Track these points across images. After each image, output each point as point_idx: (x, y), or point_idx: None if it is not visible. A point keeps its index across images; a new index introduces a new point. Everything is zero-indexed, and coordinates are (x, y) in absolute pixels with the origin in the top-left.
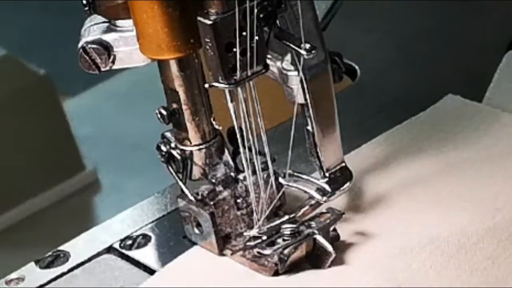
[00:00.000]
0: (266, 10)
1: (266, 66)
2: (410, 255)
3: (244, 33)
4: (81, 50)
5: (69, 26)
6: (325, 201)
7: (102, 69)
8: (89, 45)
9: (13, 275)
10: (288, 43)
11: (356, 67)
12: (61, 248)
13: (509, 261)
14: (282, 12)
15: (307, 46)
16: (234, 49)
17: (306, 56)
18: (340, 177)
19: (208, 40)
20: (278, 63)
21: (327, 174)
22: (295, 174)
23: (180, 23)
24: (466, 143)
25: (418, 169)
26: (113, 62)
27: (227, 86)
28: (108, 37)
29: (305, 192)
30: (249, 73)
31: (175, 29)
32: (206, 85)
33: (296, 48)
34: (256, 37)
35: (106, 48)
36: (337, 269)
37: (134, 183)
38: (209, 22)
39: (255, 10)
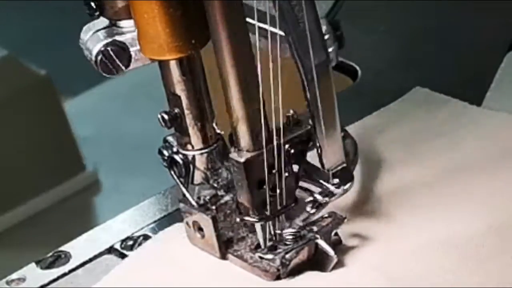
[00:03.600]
0: (295, 147)
1: (296, 201)
2: (412, 259)
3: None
4: (99, 55)
5: (70, 27)
6: (326, 202)
7: (123, 70)
8: (108, 48)
9: (14, 276)
10: (317, 180)
11: (357, 67)
12: (62, 248)
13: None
14: (311, 150)
15: (335, 181)
16: (265, 186)
17: (335, 191)
18: (341, 177)
19: (240, 177)
20: None
21: (328, 175)
22: None
23: (181, 24)
24: (434, 134)
25: (386, 159)
26: (130, 62)
27: (258, 221)
28: (123, 38)
29: (306, 192)
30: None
31: (176, 30)
32: (238, 219)
33: (326, 185)
34: (286, 174)
35: (123, 49)
36: (338, 273)
37: (135, 183)
38: (242, 160)
39: (284, 148)
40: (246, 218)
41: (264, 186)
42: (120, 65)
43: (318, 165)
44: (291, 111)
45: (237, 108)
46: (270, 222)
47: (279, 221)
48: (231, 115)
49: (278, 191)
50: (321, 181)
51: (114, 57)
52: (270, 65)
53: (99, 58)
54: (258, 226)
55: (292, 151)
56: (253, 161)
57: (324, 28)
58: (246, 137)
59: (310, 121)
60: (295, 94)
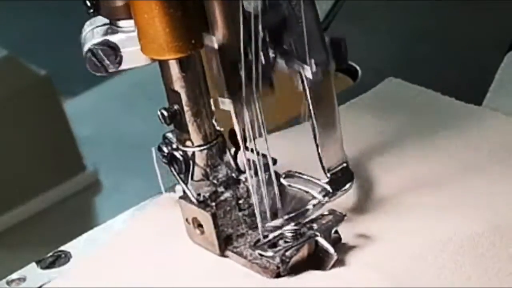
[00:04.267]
0: (272, 30)
1: (272, 86)
2: (412, 257)
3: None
4: (88, 53)
5: (70, 27)
6: (326, 202)
7: (110, 71)
8: (97, 47)
9: (14, 276)
10: (294, 64)
11: (357, 67)
12: (62, 248)
13: None
14: (288, 34)
15: (313, 63)
16: (240, 71)
17: (311, 76)
18: (341, 177)
19: (214, 59)
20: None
21: (328, 175)
22: (297, 174)
23: (181, 24)
24: (405, 124)
25: (359, 150)
26: (120, 62)
27: (232, 104)
28: (114, 38)
29: (307, 192)
30: (254, 93)
31: (176, 30)
32: (211, 101)
33: (304, 66)
34: (262, 58)
35: (113, 49)
36: (338, 271)
37: (135, 183)
38: (215, 42)
39: (260, 32)
40: (222, 106)
41: (240, 70)
42: (108, 65)
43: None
44: None
45: None
46: (246, 113)
47: (256, 109)
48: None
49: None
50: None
51: (103, 56)
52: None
53: (88, 56)
54: (232, 112)
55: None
56: (227, 45)
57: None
58: (221, 20)
59: (311, 122)
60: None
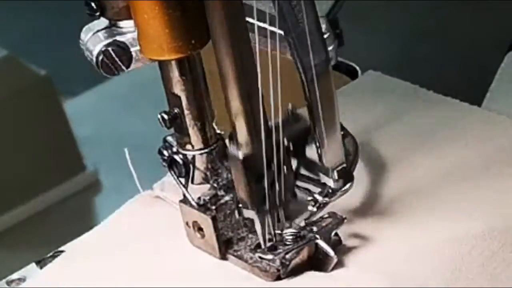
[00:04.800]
0: (294, 142)
1: (295, 196)
2: (411, 259)
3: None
4: (100, 55)
5: (70, 27)
6: (326, 202)
7: (124, 70)
8: (110, 48)
9: (14, 276)
10: (317, 174)
11: (357, 67)
12: (62, 248)
13: None
14: (309, 145)
15: (335, 175)
16: (263, 182)
17: (334, 186)
18: (341, 177)
19: (238, 171)
20: None
21: (328, 175)
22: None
23: (181, 24)
24: (384, 116)
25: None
26: (130, 62)
27: (256, 215)
28: (123, 38)
29: (306, 192)
30: (278, 203)
31: (176, 30)
32: (237, 216)
33: (325, 178)
34: (285, 169)
35: (123, 49)
36: (338, 273)
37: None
38: (240, 157)
39: (284, 143)
40: (246, 214)
41: (263, 182)
42: (121, 65)
43: (317, 160)
44: (290, 107)
45: (235, 104)
46: (270, 220)
47: (278, 218)
48: (230, 111)
49: (277, 186)
50: (320, 174)
51: (115, 57)
52: (270, 62)
53: (100, 58)
54: (257, 223)
55: (291, 146)
56: (251, 157)
57: (323, 26)
58: (244, 133)
59: (311, 122)
60: (294, 92)
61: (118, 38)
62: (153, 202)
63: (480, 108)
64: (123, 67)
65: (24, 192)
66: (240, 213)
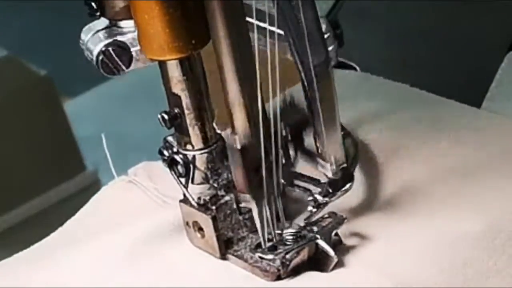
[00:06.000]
0: (292, 131)
1: (292, 184)
2: (412, 258)
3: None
4: (101, 55)
5: (70, 27)
6: (326, 202)
7: (124, 70)
8: (109, 48)
9: None
10: (316, 162)
11: (357, 67)
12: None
13: None
14: (308, 134)
15: (332, 159)
16: (261, 170)
17: (332, 174)
18: (341, 177)
19: (236, 160)
20: None
21: (330, 175)
22: (297, 174)
23: (181, 24)
24: (382, 115)
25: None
26: (130, 62)
27: (254, 202)
28: (124, 38)
29: (307, 192)
30: (275, 192)
31: (176, 30)
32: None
33: (323, 171)
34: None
35: (124, 49)
36: (339, 273)
37: None
38: (238, 147)
39: (281, 133)
40: (244, 204)
41: (261, 171)
42: (121, 65)
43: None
44: (288, 95)
45: (233, 93)
46: (268, 213)
47: (278, 219)
48: (228, 100)
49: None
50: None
51: (115, 57)
52: (269, 58)
53: (100, 58)
54: (255, 211)
55: (289, 136)
56: (249, 147)
57: (323, 27)
58: (242, 122)
59: (311, 122)
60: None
61: (118, 38)
62: (128, 187)
63: (480, 109)
64: (123, 67)
65: (24, 192)
66: (240, 211)
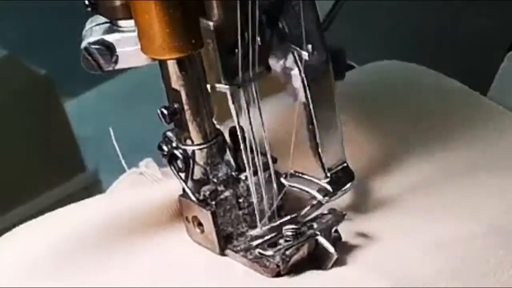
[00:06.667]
0: (268, 12)
1: (269, 68)
2: (412, 257)
3: (246, 35)
4: (84, 51)
5: (70, 27)
6: (326, 201)
7: (105, 69)
8: (92, 46)
9: None
10: (290, 45)
11: (357, 67)
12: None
13: None
14: (284, 15)
15: (309, 47)
16: (236, 51)
17: (308, 57)
18: (341, 177)
19: (210, 42)
20: (281, 62)
21: (328, 174)
22: (297, 174)
23: (181, 24)
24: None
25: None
26: (115, 62)
27: (228, 88)
28: (111, 38)
29: (307, 192)
30: (251, 75)
31: (176, 30)
32: (208, 86)
33: (298, 50)
34: (258, 39)
35: (108, 49)
36: (338, 270)
37: None
38: (212, 25)
39: (257, 13)
40: (217, 85)
41: (236, 53)
42: (104, 64)
43: None
44: None
45: None
46: (243, 95)
47: (251, 89)
48: None
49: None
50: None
51: (98, 55)
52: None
53: (83, 54)
54: (229, 95)
55: (264, 18)
56: (224, 27)
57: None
58: (217, 2)
59: (311, 121)
60: None
61: (105, 37)
62: (139, 179)
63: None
64: (106, 66)
65: (24, 192)
66: (239, 206)
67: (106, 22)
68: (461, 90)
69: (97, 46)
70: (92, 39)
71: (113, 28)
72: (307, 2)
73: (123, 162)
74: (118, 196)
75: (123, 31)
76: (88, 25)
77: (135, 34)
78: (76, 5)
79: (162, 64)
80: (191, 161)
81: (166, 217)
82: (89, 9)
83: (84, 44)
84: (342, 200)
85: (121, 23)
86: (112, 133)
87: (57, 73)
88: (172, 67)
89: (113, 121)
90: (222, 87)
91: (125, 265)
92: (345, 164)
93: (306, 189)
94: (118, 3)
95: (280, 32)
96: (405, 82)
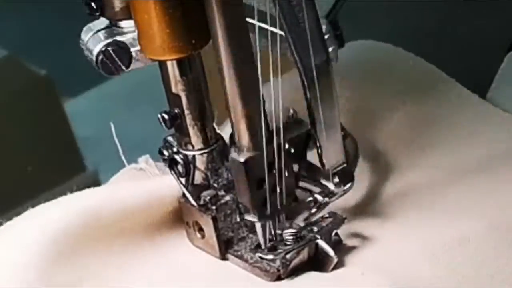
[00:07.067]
0: (295, 146)
1: (296, 200)
2: (411, 259)
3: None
4: (100, 55)
5: (70, 27)
6: (326, 202)
7: (125, 70)
8: (109, 48)
9: None
10: (317, 180)
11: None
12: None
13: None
14: (311, 149)
15: (336, 180)
16: (264, 186)
17: (336, 191)
18: (342, 177)
19: (240, 177)
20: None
21: (329, 179)
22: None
23: (181, 24)
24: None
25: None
26: (130, 62)
27: (258, 220)
28: (124, 38)
29: (307, 192)
30: (279, 207)
31: (176, 30)
32: (238, 219)
33: (326, 183)
34: (286, 173)
35: (123, 49)
36: (339, 273)
37: None
38: (242, 160)
39: (284, 147)
40: (247, 217)
41: (264, 186)
42: (121, 65)
43: (318, 164)
44: (291, 111)
45: (237, 107)
46: (271, 222)
47: (280, 221)
48: (231, 115)
49: (278, 190)
50: (322, 181)
51: (115, 57)
52: (270, 64)
53: (100, 58)
54: (258, 226)
55: (292, 150)
56: (253, 161)
57: (324, 27)
58: (246, 136)
59: (311, 122)
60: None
61: (118, 38)
62: (138, 175)
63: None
64: (123, 67)
65: (24, 192)
66: (241, 215)
67: (107, 27)
68: (434, 72)
69: (113, 48)
70: (106, 41)
71: (117, 30)
72: (307, 2)
73: (123, 157)
74: (117, 187)
75: (130, 32)
76: (88, 33)
77: None
78: (76, 5)
79: (163, 68)
80: (191, 166)
81: (166, 212)
82: (97, 13)
83: (98, 48)
84: (341, 201)
85: (124, 24)
86: (113, 129)
87: (57, 73)
88: (173, 71)
89: (113, 121)
90: (253, 220)
91: (122, 270)
92: (345, 165)
93: (306, 189)
94: (124, 4)
95: (307, 165)
96: (380, 62)
